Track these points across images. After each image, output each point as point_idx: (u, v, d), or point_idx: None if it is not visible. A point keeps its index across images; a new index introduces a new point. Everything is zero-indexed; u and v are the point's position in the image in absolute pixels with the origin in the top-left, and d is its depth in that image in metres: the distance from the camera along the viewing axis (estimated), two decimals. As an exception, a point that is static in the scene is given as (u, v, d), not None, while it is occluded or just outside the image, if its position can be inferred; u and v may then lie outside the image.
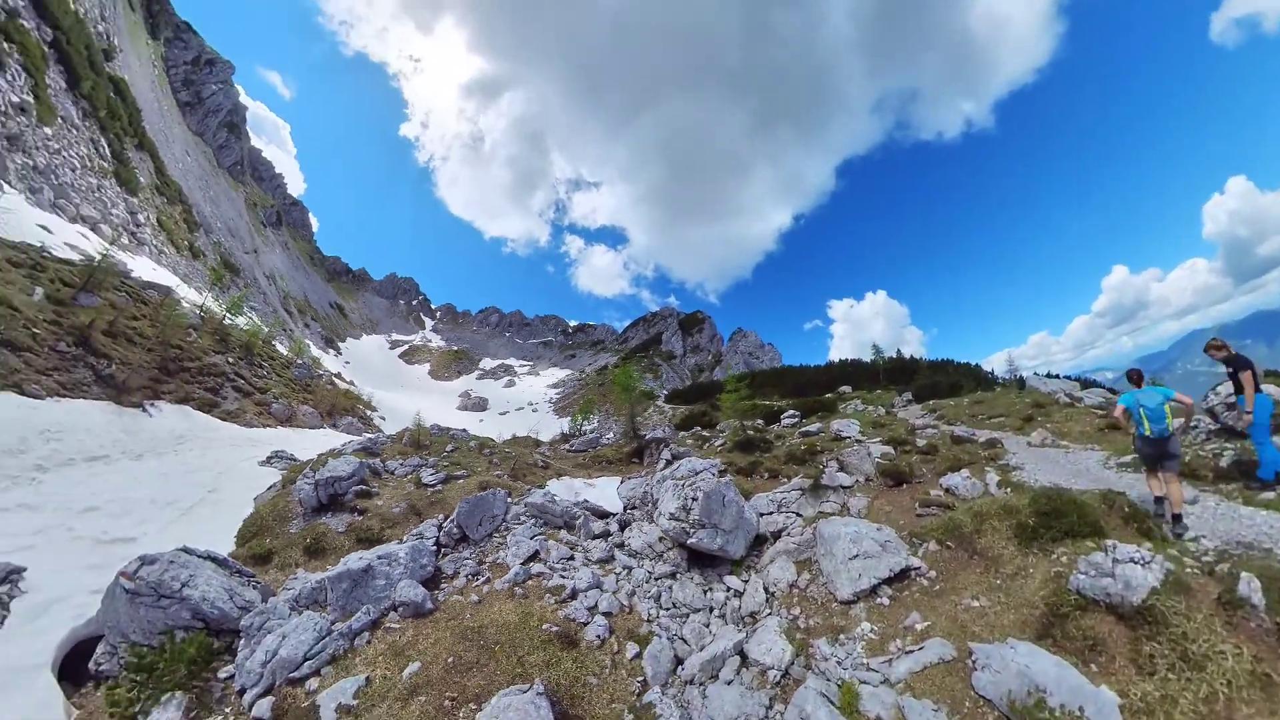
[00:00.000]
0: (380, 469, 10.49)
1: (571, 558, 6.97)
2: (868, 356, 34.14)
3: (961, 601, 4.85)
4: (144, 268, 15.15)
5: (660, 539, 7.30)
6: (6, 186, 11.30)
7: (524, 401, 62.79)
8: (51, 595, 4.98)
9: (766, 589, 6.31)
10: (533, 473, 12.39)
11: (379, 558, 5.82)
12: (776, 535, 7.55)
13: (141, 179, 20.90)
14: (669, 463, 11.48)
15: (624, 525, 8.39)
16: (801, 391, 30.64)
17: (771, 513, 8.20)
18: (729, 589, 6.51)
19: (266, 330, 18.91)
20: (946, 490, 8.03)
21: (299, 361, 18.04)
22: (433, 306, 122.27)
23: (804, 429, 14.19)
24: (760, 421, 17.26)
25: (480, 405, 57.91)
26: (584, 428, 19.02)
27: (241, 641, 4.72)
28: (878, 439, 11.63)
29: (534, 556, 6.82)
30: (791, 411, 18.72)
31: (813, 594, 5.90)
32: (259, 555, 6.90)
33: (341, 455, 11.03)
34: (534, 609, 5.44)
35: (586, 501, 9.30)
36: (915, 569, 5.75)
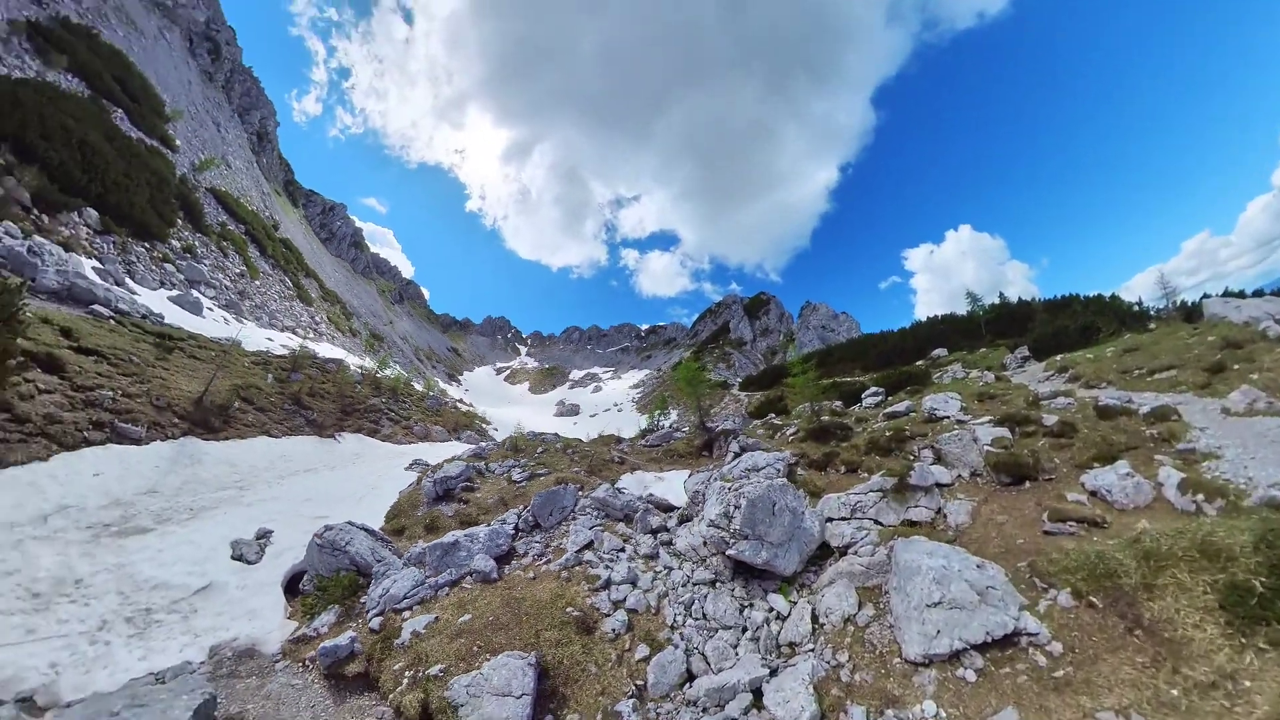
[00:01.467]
0: (484, 470, 12.34)
1: (622, 549, 6.93)
2: (962, 308, 27.51)
3: (1101, 709, 2.84)
4: (325, 350, 21.94)
5: (704, 543, 6.52)
6: (245, 320, 17.48)
7: (610, 403, 67.36)
8: (284, 547, 7.62)
9: (816, 618, 5.10)
10: (608, 468, 12.91)
11: (465, 536, 6.95)
12: (844, 550, 6.10)
13: (312, 295, 30.16)
14: (737, 455, 10.71)
15: (684, 520, 7.94)
16: (886, 362, 25.27)
17: (843, 519, 6.64)
18: (771, 609, 5.45)
19: (406, 376, 24.77)
20: (1092, 494, 5.64)
21: (430, 394, 22.79)
22: (524, 335, 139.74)
23: (889, 409, 11.85)
24: (838, 403, 15.41)
25: (573, 411, 63.69)
26: (661, 423, 19.23)
27: (373, 581, 6.48)
28: (986, 418, 8.95)
29: (588, 545, 6.98)
30: (874, 389, 15.70)
31: (872, 638, 4.49)
32: (396, 529, 9.00)
33: (455, 460, 13.77)
34: (568, 592, 5.70)
35: (652, 495, 9.24)
36: (1029, 635, 3.75)
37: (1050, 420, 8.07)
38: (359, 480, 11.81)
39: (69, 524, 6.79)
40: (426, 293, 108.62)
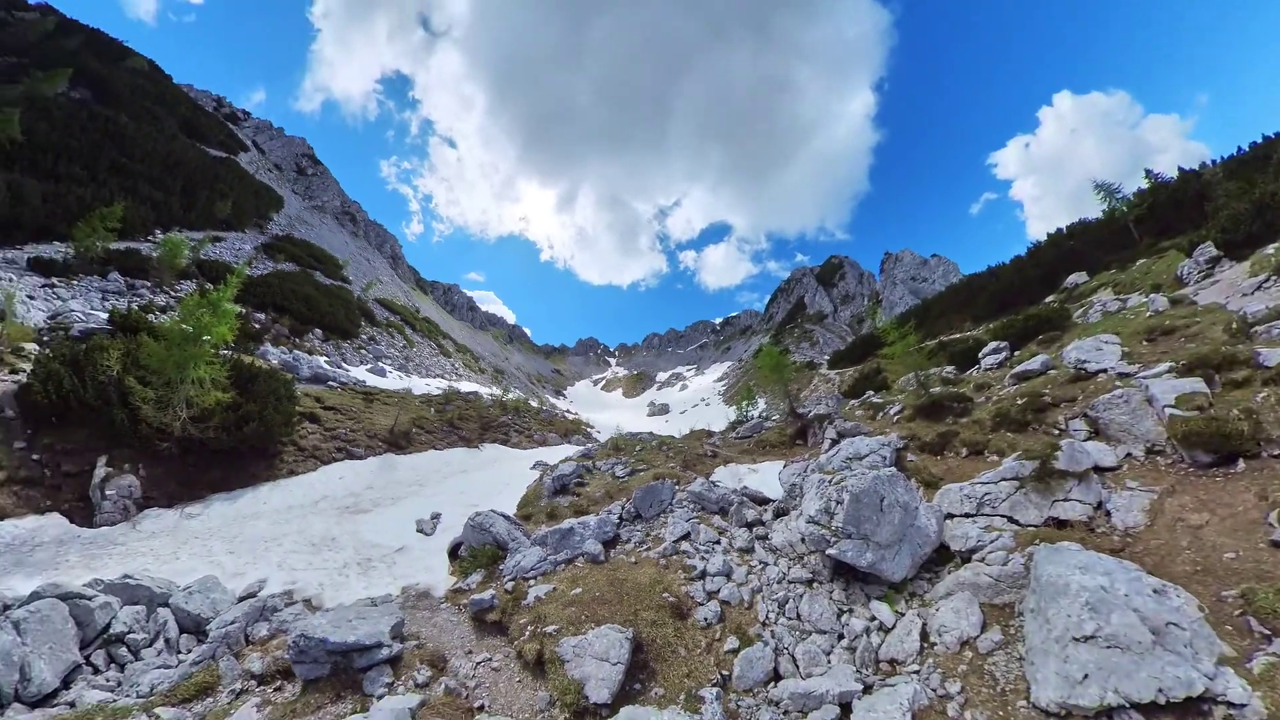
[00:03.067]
0: (592, 468, 13.08)
1: (717, 542, 6.92)
2: (1093, 208, 18.82)
3: None
4: (465, 386, 27.87)
5: (802, 540, 5.89)
6: (411, 375, 23.90)
7: (697, 399, 65.68)
8: (448, 524, 9.42)
9: (926, 635, 4.23)
10: (702, 462, 12.69)
11: (578, 523, 7.60)
12: (967, 556, 4.95)
13: (450, 350, 38.18)
14: (835, 442, 9.70)
15: (780, 514, 7.54)
16: (1003, 306, 18.83)
17: (967, 515, 5.41)
18: (873, 619, 4.74)
19: (524, 397, 29.54)
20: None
21: (544, 409, 26.15)
22: (611, 349, 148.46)
23: (1018, 368, 9.25)
24: (949, 369, 12.54)
25: (663, 410, 63.94)
26: (749, 413, 18.15)
27: (508, 555, 7.44)
28: (1163, 365, 6.29)
29: (685, 536, 7.14)
30: (994, 344, 12.40)
31: (994, 669, 3.53)
32: (525, 515, 10.02)
33: (568, 460, 15.44)
34: (665, 578, 5.88)
35: (746, 489, 8.94)
36: (1228, 704, 2.50)
37: (1274, 358, 5.31)
38: (497, 478, 14.07)
39: (327, 505, 9.82)
40: (529, 331, 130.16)
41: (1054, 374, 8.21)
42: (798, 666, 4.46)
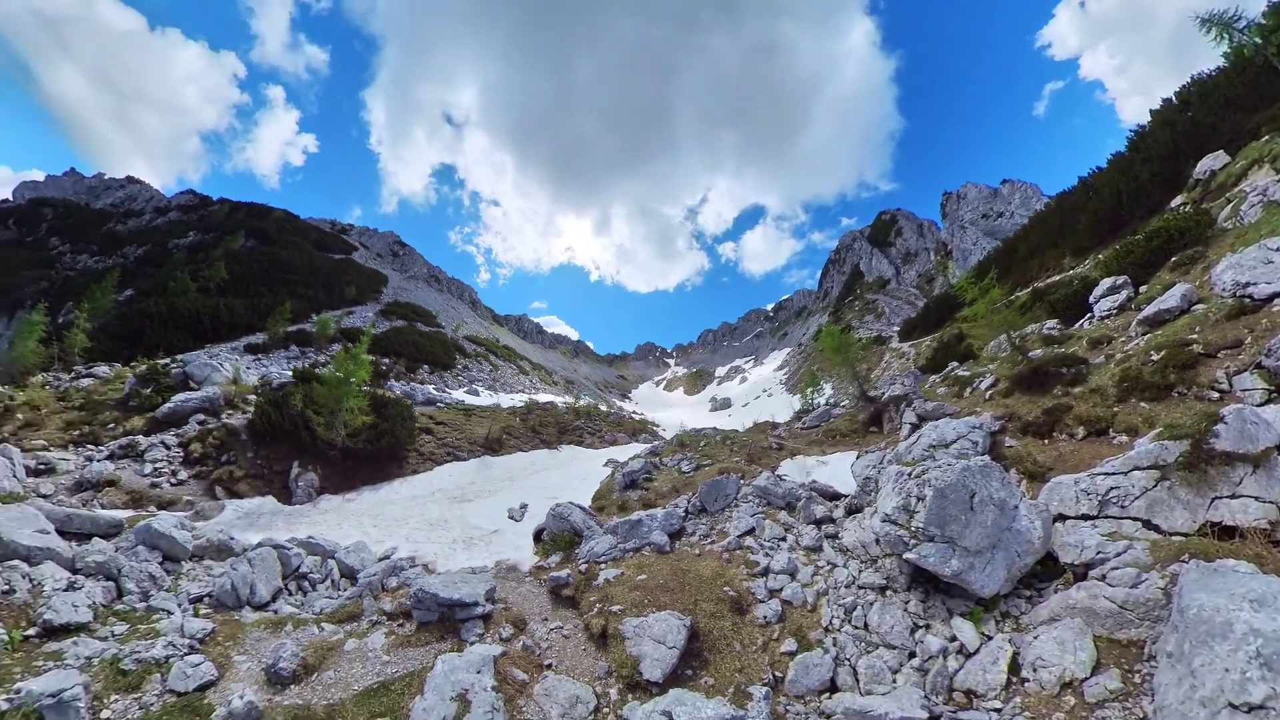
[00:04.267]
0: (659, 464, 13.28)
1: (783, 538, 6.61)
2: (1202, 59, 12.18)
3: None
4: (542, 398, 30.74)
5: (876, 540, 5.13)
6: (499, 392, 28.12)
7: (758, 390, 60.90)
8: (534, 513, 10.32)
9: (1016, 668, 3.37)
10: (767, 456, 12.19)
11: (646, 515, 7.75)
12: (1081, 572, 3.85)
13: (527, 368, 42.92)
14: (914, 427, 8.57)
15: (852, 511, 6.90)
16: (1114, 226, 13.52)
17: (1084, 518, 4.29)
18: (952, 638, 3.96)
19: (593, 402, 31.58)
20: None
21: (612, 412, 27.37)
22: (669, 350, 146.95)
23: (1147, 310, 7.17)
24: (1051, 324, 9.82)
25: (725, 405, 60.43)
26: (815, 401, 16.69)
27: (583, 541, 7.79)
28: None
29: (749, 532, 6.94)
30: (1108, 281, 9.46)
31: None
32: (598, 507, 10.48)
33: (637, 457, 15.89)
34: (727, 572, 5.78)
35: (815, 482, 8.41)
36: None
37: None
38: (574, 474, 15.07)
39: (441, 496, 11.60)
40: (591, 344, 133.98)
41: (1202, 310, 6.24)
42: (858, 680, 3.96)
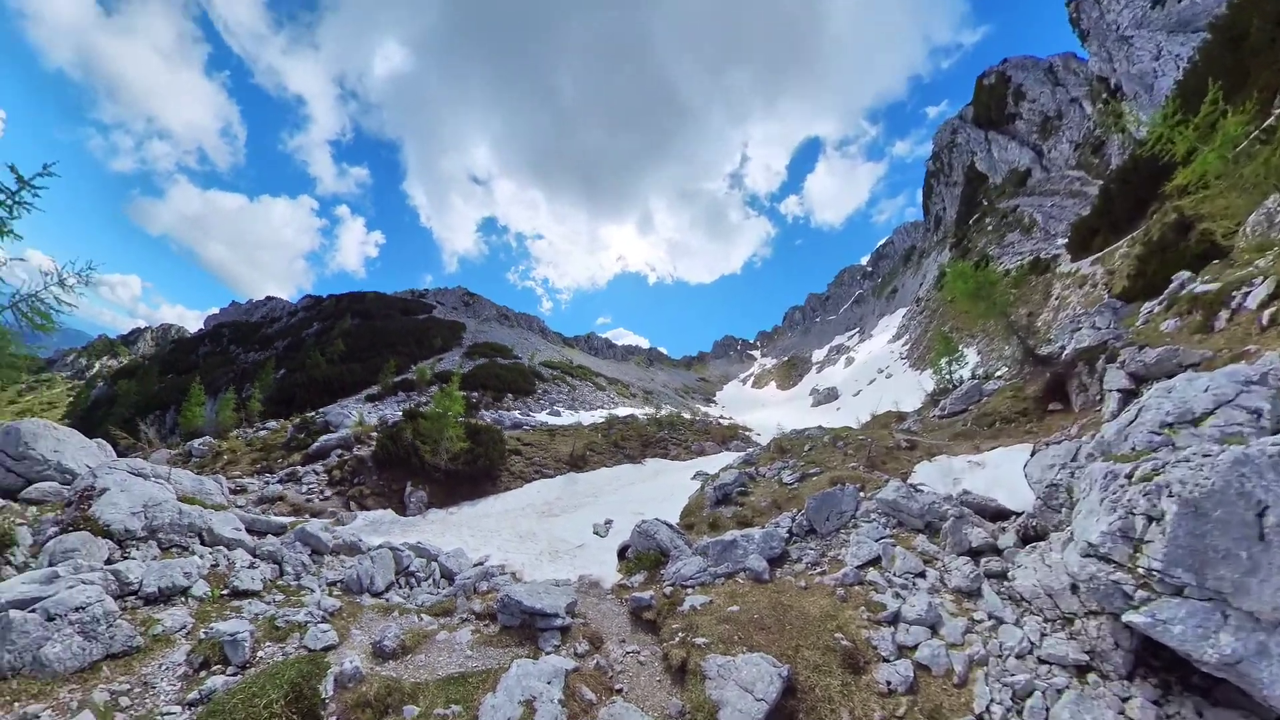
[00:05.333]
0: (755, 474, 12.58)
1: (921, 574, 5.51)
2: None
3: None
4: (621, 412, 32.13)
5: (1072, 586, 3.69)
6: (579, 410, 31.03)
7: (872, 371, 50.42)
8: (618, 529, 10.67)
9: None
10: (894, 458, 10.83)
11: (742, 535, 7.30)
12: None
13: (604, 384, 46.27)
14: (1126, 396, 6.43)
15: (1030, 537, 5.16)
16: None
17: None
18: None
19: (675, 411, 31.52)
20: None
21: (697, 419, 26.89)
22: (750, 341, 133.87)
23: None
24: None
25: (830, 396, 51.51)
26: (954, 375, 13.56)
27: (669, 561, 7.60)
28: None
29: (873, 561, 6.03)
30: None
31: None
32: (687, 525, 10.32)
33: (729, 468, 15.37)
34: (841, 614, 5.07)
35: (966, 494, 6.91)
36: None
37: None
38: (660, 489, 15.17)
39: (530, 510, 12.74)
40: (664, 350, 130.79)
41: None
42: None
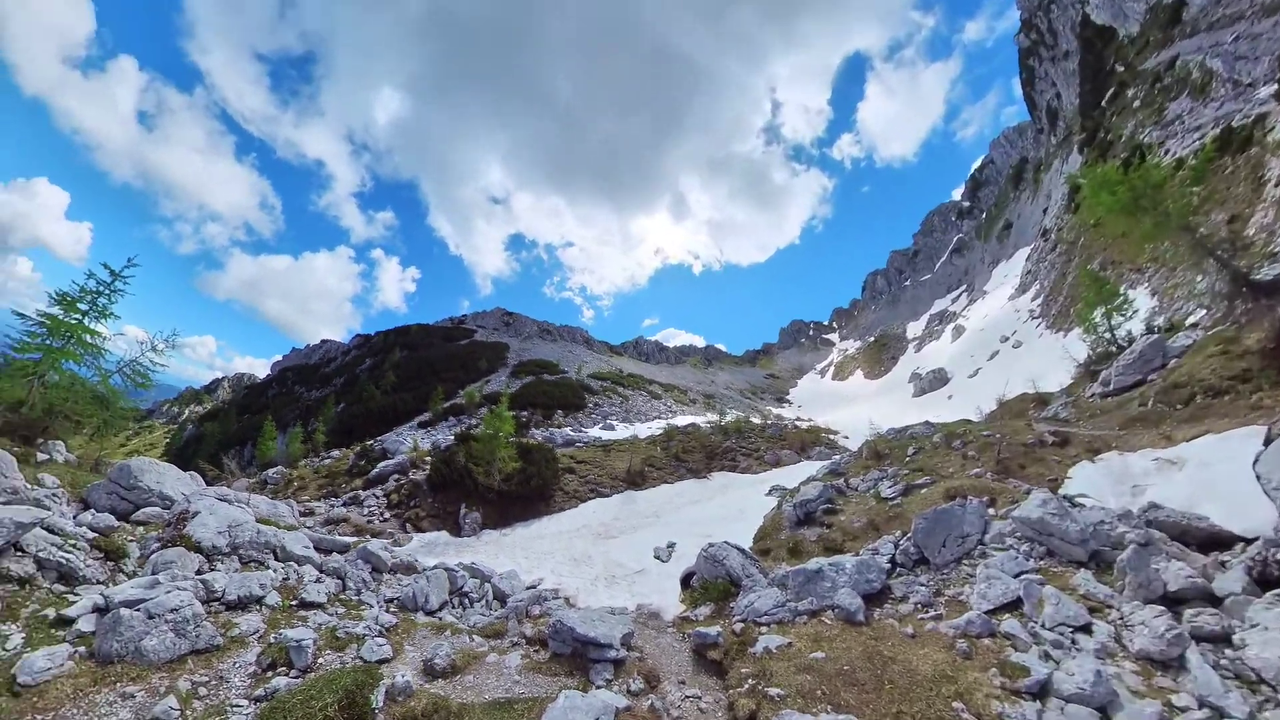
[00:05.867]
0: (844, 487, 11.80)
1: (1085, 628, 4.39)
2: None
3: None
4: (680, 421, 31.97)
5: None
6: (632, 423, 31.34)
7: (993, 342, 41.66)
8: (682, 553, 10.49)
9: None
10: (1035, 459, 9.47)
11: (829, 564, 6.72)
12: None
13: (659, 392, 48.42)
14: None
15: (1270, 579, 4.08)
16: None
17: None
18: None
19: (743, 415, 30.44)
20: None
21: (769, 424, 25.79)
22: (824, 323, 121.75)
23: None
24: None
25: (938, 380, 44.31)
26: (1115, 332, 10.76)
27: (741, 593, 7.32)
28: None
29: (1011, 605, 5.07)
30: None
31: None
32: (762, 550, 9.93)
33: (811, 481, 14.56)
34: (963, 677, 4.30)
35: (1155, 508, 5.57)
36: None
37: None
38: (729, 507, 14.77)
39: (586, 532, 13.06)
40: (723, 346, 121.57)
41: None
42: None
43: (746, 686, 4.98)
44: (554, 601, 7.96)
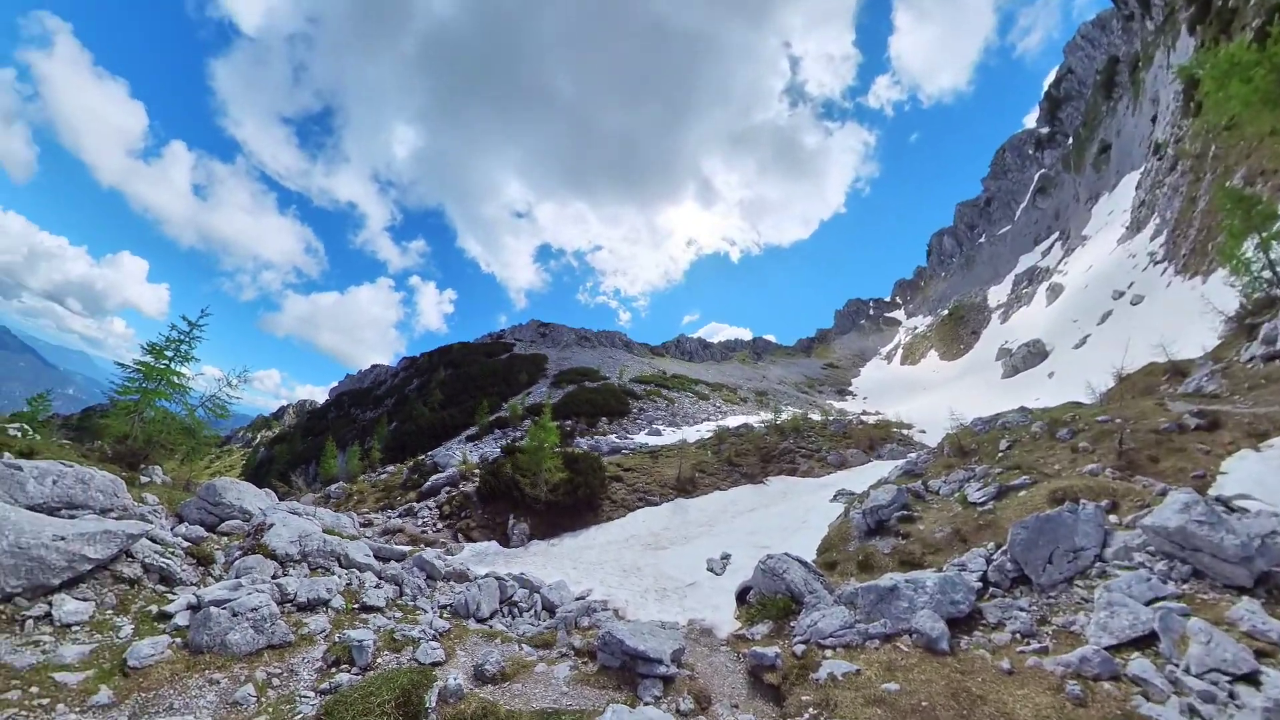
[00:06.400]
0: (922, 491, 11.14)
1: (1250, 676, 3.69)
2: None
3: None
4: (731, 422, 31.00)
5: None
6: (681, 427, 32.42)
7: (1102, 299, 34.70)
8: (738, 566, 10.37)
9: None
10: (1171, 448, 8.34)
11: (906, 581, 6.33)
12: None
13: (706, 392, 47.31)
14: None
15: None
16: None
17: None
18: None
19: (800, 412, 29.47)
20: None
21: (831, 420, 24.64)
22: (884, 300, 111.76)
23: None
24: None
25: (1034, 355, 38.06)
26: (1274, 269, 8.86)
27: (803, 610, 7.11)
28: None
29: (1143, 641, 4.37)
30: None
31: None
32: (827, 564, 9.65)
33: (883, 484, 13.81)
34: None
35: None
36: None
37: None
38: (789, 515, 14.40)
39: (635, 542, 13.24)
40: (772, 337, 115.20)
41: None
42: None
43: (807, 716, 4.79)
44: (603, 613, 8.16)
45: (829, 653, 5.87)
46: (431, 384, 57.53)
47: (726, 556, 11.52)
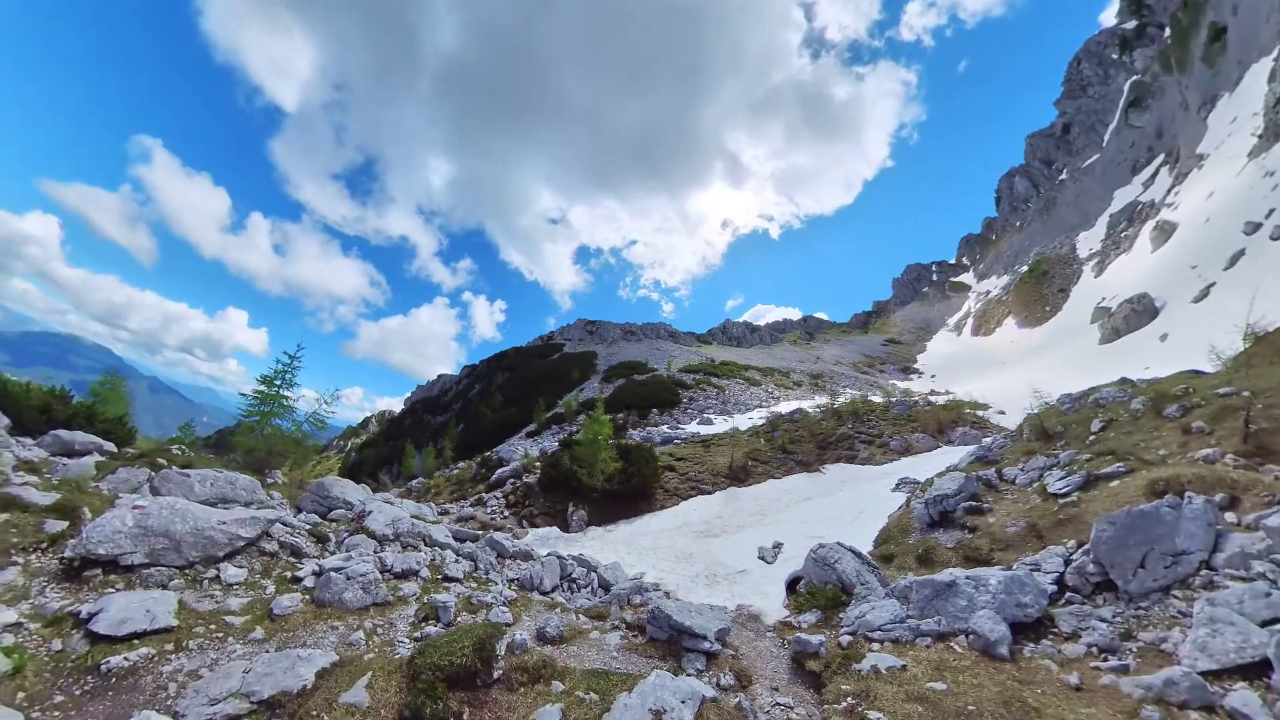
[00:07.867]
0: (995, 480, 10.70)
1: None
2: None
3: None
4: (784, 407, 30.50)
5: None
6: (732, 415, 33.27)
7: (1232, 235, 27.33)
8: (789, 555, 10.66)
9: None
10: None
11: (967, 578, 6.04)
12: None
13: (757, 378, 48.51)
14: None
15: None
16: None
17: None
18: None
19: (858, 394, 27.93)
20: None
21: (894, 402, 23.38)
22: (947, 263, 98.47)
23: None
24: None
25: (1141, 314, 30.34)
26: None
27: (853, 602, 7.25)
28: None
29: (1251, 670, 3.79)
30: None
31: None
32: (885, 556, 9.59)
33: (951, 472, 12.92)
34: None
35: None
36: None
37: None
38: (847, 505, 14.32)
39: (687, 529, 13.86)
40: (824, 315, 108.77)
41: None
42: None
43: (844, 705, 4.74)
44: (655, 593, 8.87)
45: (876, 646, 5.83)
46: (491, 387, 62.32)
47: (778, 545, 11.79)
